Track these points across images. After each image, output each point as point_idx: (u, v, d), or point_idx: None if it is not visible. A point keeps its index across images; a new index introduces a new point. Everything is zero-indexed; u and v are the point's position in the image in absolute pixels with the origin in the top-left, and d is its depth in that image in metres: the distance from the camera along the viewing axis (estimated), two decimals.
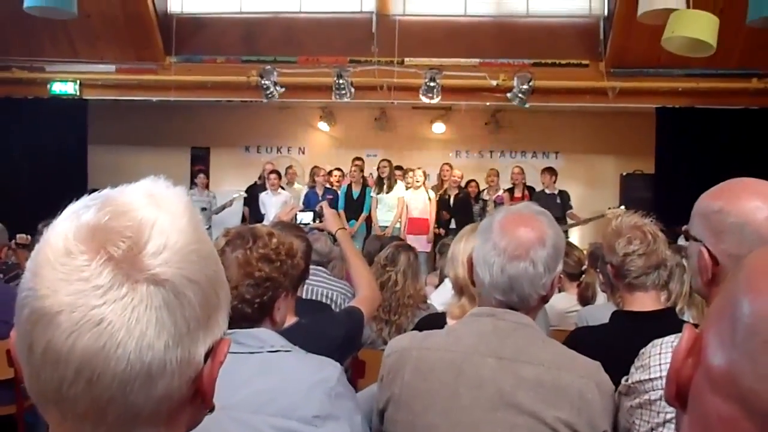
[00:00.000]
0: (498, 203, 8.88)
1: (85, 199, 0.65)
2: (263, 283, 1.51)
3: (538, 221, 1.49)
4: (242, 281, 1.48)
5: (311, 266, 3.37)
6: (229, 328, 1.41)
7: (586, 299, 3.90)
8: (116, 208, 0.62)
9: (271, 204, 8.87)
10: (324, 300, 3.26)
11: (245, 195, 9.68)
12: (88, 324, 0.57)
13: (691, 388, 0.58)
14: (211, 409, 0.71)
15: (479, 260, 1.49)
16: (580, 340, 2.04)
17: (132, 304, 0.59)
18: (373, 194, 8.91)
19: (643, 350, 1.49)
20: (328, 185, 9.26)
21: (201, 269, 0.64)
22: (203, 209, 9.32)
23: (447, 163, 9.60)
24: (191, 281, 0.62)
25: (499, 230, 1.47)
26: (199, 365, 0.65)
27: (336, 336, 2.07)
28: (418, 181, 8.78)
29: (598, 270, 3.62)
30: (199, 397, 0.67)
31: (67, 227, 0.61)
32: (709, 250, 1.26)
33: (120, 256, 0.59)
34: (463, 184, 9.44)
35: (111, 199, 0.64)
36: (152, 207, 0.64)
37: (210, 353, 0.66)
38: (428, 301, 3.48)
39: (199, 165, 10.96)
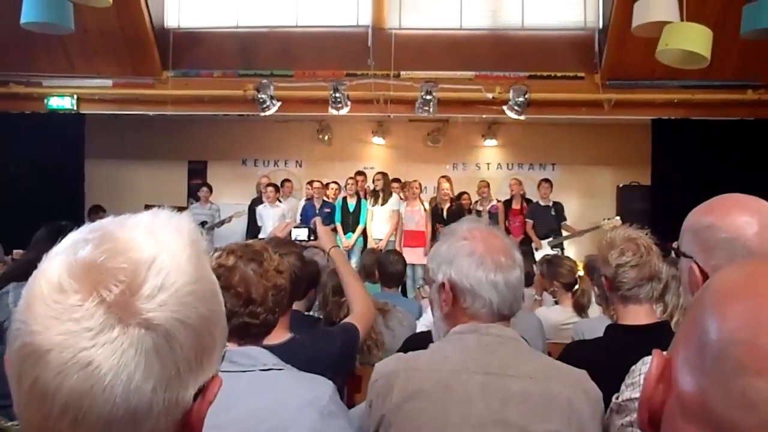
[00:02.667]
0: (493, 213, 8.87)
1: (85, 231, 0.64)
2: (281, 291, 1.55)
3: (491, 230, 1.54)
4: (268, 292, 1.51)
5: None
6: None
7: (581, 306, 3.93)
8: (114, 245, 0.62)
9: (269, 216, 8.86)
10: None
11: (244, 213, 9.62)
12: (76, 365, 0.57)
13: (663, 414, 0.57)
14: None
15: (480, 285, 1.45)
16: (575, 354, 2.04)
17: (122, 348, 0.58)
18: (369, 206, 8.89)
19: (633, 367, 1.49)
20: (325, 198, 9.24)
21: (197, 310, 0.64)
22: (204, 222, 9.28)
23: (444, 176, 9.59)
24: (185, 325, 0.62)
25: (484, 247, 1.47)
26: (187, 405, 0.64)
27: (331, 352, 2.06)
28: (414, 194, 8.76)
29: (594, 283, 3.63)
30: None
31: (62, 261, 0.61)
32: (699, 266, 1.26)
33: (112, 300, 0.59)
34: (454, 195, 9.37)
35: (110, 235, 0.63)
36: (151, 244, 0.63)
37: (200, 392, 0.66)
38: (398, 308, 3.47)
39: (197, 179, 10.94)
